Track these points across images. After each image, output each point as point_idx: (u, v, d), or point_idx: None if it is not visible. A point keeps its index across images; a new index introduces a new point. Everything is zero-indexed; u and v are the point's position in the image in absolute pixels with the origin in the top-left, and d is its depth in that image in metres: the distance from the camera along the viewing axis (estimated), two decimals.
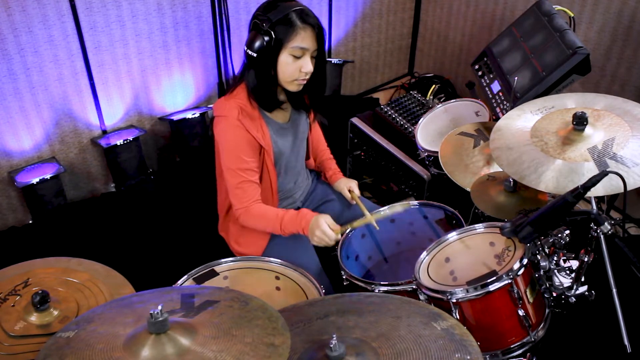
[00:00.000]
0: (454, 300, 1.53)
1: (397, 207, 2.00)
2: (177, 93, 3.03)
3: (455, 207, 2.02)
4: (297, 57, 1.80)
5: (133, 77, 2.84)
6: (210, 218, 2.27)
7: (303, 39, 1.78)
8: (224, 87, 3.13)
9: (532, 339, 1.57)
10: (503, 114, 2.21)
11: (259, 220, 1.92)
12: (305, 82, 1.87)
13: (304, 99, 2.01)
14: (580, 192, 1.41)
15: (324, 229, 1.79)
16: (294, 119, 2.03)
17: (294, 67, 1.81)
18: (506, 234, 1.57)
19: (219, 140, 1.91)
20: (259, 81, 1.84)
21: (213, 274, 1.81)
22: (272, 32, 1.75)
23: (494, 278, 1.50)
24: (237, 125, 1.84)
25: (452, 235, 1.75)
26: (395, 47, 3.83)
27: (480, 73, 2.60)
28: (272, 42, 1.76)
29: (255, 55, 1.78)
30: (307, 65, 1.81)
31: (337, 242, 1.86)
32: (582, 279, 1.61)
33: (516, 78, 2.30)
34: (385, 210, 2.00)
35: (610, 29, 2.70)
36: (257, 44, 1.77)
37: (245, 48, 1.81)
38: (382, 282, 1.76)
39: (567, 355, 2.09)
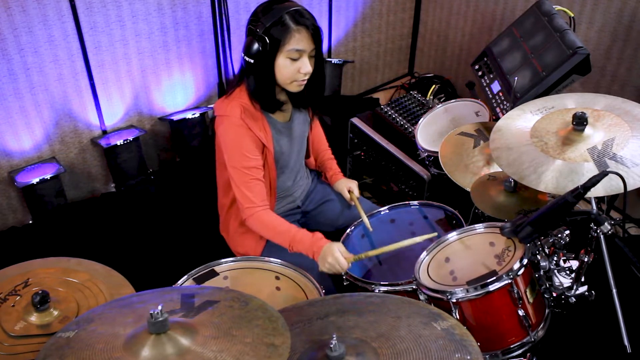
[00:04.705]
0: (454, 300, 1.53)
1: (417, 240, 1.75)
2: (177, 93, 3.03)
3: (455, 207, 2.02)
4: (294, 60, 1.79)
5: (133, 77, 2.84)
6: (210, 218, 2.27)
7: (298, 41, 1.77)
8: (224, 87, 3.13)
9: (532, 339, 1.56)
10: (503, 114, 2.21)
11: (267, 230, 1.91)
12: (305, 82, 1.86)
13: (304, 97, 2.01)
14: (580, 192, 1.41)
15: (337, 257, 1.75)
16: (294, 118, 2.03)
17: (292, 70, 1.81)
18: (506, 234, 1.57)
19: (221, 140, 1.91)
20: (258, 85, 1.84)
21: (213, 274, 1.81)
22: (267, 37, 1.75)
23: (494, 278, 1.50)
24: (240, 124, 1.84)
25: (452, 235, 1.74)
26: (395, 47, 3.83)
27: (480, 73, 2.60)
28: (268, 47, 1.76)
29: (252, 61, 1.78)
30: (305, 67, 1.81)
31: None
32: (582, 279, 1.61)
33: (516, 78, 2.30)
34: (404, 242, 1.76)
35: (610, 29, 2.70)
36: (253, 49, 1.76)
37: (243, 54, 1.80)
38: (382, 282, 1.76)
39: (567, 355, 2.09)
